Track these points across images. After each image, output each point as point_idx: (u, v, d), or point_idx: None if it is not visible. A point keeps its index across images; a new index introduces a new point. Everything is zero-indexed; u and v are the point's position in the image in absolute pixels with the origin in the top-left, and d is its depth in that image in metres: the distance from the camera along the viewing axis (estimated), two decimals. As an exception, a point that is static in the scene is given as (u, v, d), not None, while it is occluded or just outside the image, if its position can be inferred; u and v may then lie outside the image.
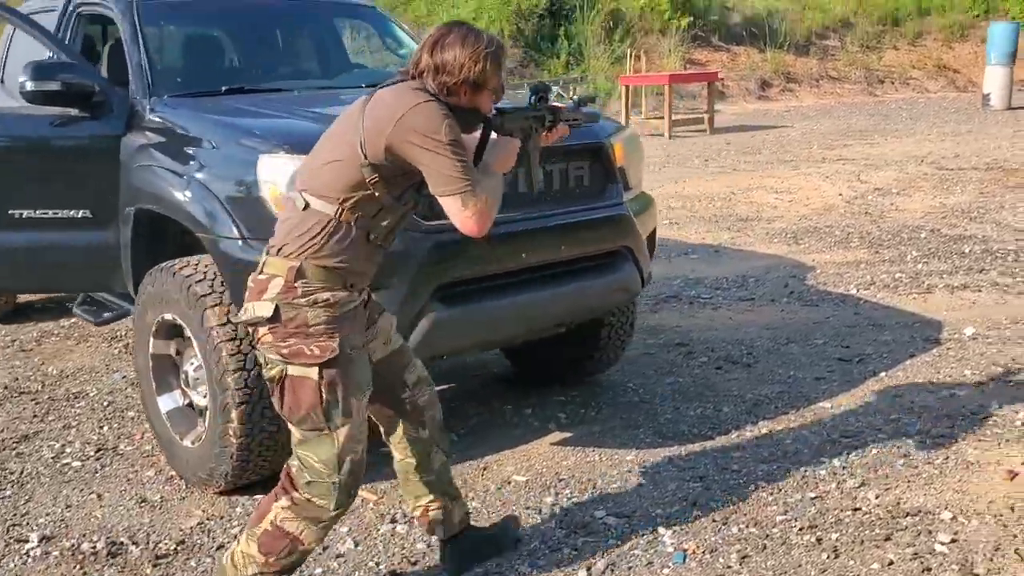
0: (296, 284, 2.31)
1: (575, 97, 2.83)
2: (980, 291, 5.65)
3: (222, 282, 3.12)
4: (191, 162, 3.29)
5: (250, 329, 2.45)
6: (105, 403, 4.35)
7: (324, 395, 2.33)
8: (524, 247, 3.26)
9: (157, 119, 3.58)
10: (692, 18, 22.89)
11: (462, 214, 2.30)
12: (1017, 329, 4.86)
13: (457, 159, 2.26)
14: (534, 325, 3.49)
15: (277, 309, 2.32)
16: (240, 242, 3.04)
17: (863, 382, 4.26)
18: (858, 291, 5.77)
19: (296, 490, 2.43)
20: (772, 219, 8.17)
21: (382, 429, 2.73)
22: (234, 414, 3.09)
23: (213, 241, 3.10)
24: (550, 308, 3.44)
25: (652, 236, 3.95)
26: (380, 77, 4.60)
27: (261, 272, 2.39)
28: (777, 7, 26.47)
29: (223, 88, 3.85)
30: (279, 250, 2.36)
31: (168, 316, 3.32)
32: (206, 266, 3.19)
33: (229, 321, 3.08)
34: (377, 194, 2.32)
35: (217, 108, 3.51)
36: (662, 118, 15.45)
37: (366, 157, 2.28)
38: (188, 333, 3.24)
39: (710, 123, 15.70)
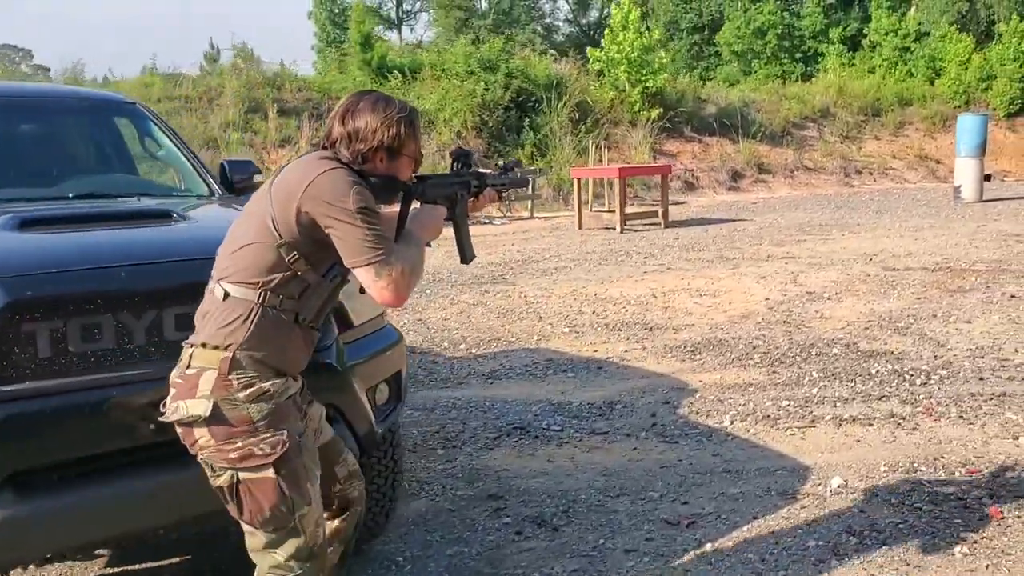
0: (231, 377, 2.17)
1: (502, 162, 2.77)
2: (871, 425, 4.86)
3: None
4: None
5: (180, 431, 2.23)
6: None
7: (286, 491, 2.21)
8: (124, 417, 2.47)
9: None
10: (662, 109, 22.52)
11: (376, 285, 2.19)
12: (892, 479, 4.07)
13: (367, 227, 2.16)
14: (164, 519, 2.59)
15: (216, 407, 2.16)
16: None
17: (681, 556, 3.45)
18: (732, 423, 4.99)
19: None
20: (680, 327, 7.42)
21: None
22: None
23: None
24: (184, 496, 2.52)
25: (396, 381, 3.20)
26: (120, 184, 3.98)
27: (189, 366, 2.21)
28: (753, 98, 26.22)
29: None
30: (204, 344, 2.20)
31: None
32: None
33: None
34: (300, 273, 2.22)
35: None
36: (614, 212, 14.82)
37: (280, 236, 2.19)
38: None
39: (664, 217, 15.08)
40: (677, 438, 4.79)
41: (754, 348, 6.62)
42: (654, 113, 22.37)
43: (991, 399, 5.18)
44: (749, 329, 7.27)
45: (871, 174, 24.26)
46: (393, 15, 55.81)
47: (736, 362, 6.28)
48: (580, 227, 15.36)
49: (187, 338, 2.29)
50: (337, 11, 49.65)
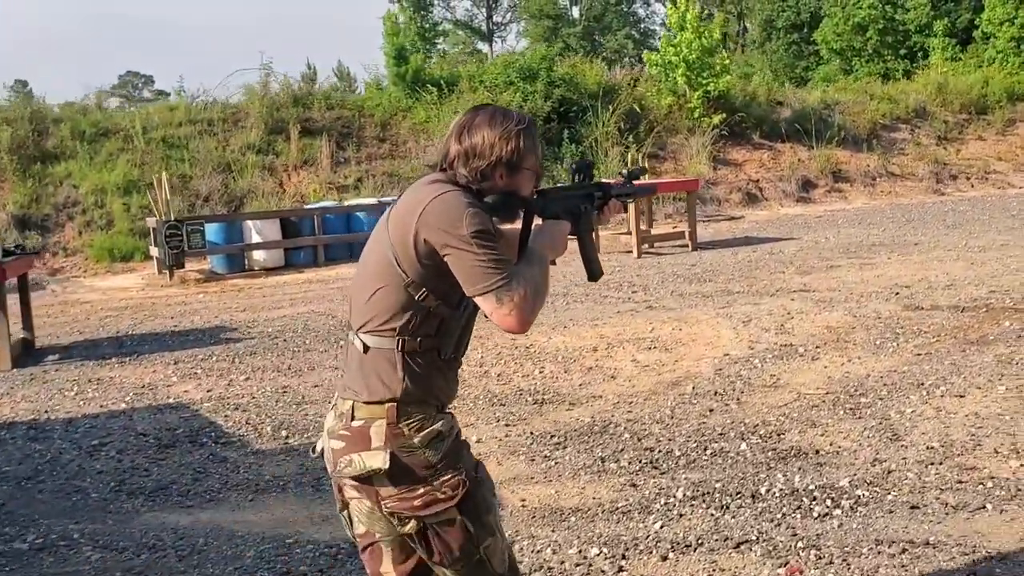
0: (400, 425, 2.12)
1: (625, 171, 2.62)
2: (689, 604, 3.16)
3: None
4: None
5: (352, 484, 2.16)
6: None
7: (471, 529, 2.15)
8: None
9: None
10: (725, 115, 20.54)
11: (498, 312, 2.06)
12: None
13: (484, 252, 2.05)
14: None
15: (394, 456, 2.10)
16: None
17: None
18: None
19: None
20: (581, 401, 5.77)
21: None
22: None
23: None
24: None
25: None
26: None
27: (353, 418, 2.15)
28: (837, 99, 23.91)
29: None
30: (367, 402, 2.14)
31: None
32: None
33: None
34: (432, 309, 2.13)
35: None
36: (631, 233, 13.07)
37: (406, 274, 2.11)
38: None
39: (691, 239, 13.24)
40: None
41: (640, 440, 4.92)
42: (716, 118, 20.44)
43: (902, 553, 3.40)
44: (664, 404, 5.56)
45: (968, 179, 21.66)
46: (484, 27, 55.02)
47: (598, 465, 4.60)
48: (597, 251, 13.65)
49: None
50: (427, 26, 48.97)
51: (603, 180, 2.54)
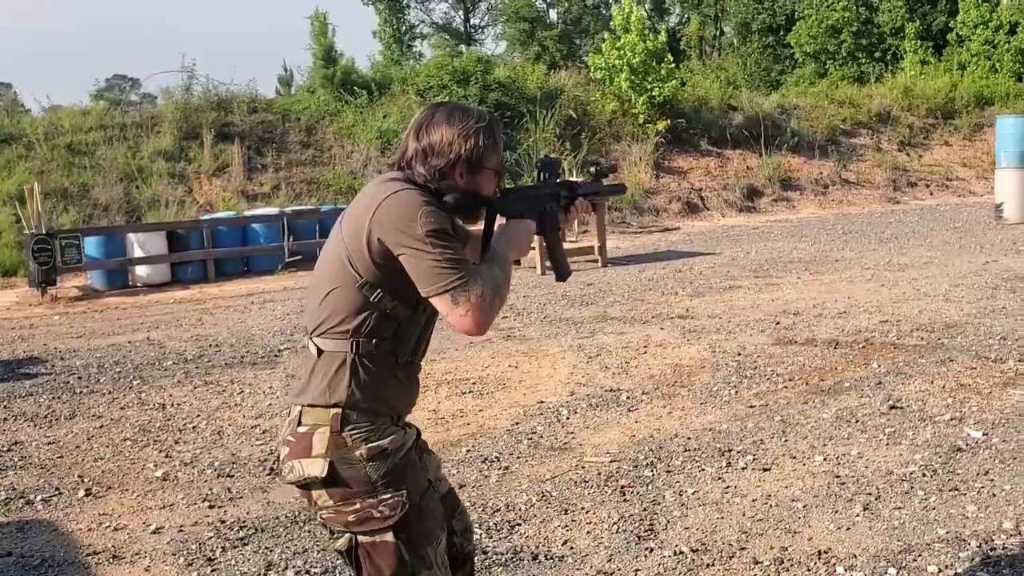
0: (344, 434, 2.04)
1: (592, 169, 2.50)
2: None
3: None
4: None
5: (298, 491, 2.14)
6: None
7: (405, 556, 2.05)
8: None
9: None
10: (669, 120, 19.55)
11: (454, 313, 2.01)
12: None
13: (439, 251, 1.99)
14: None
15: (332, 467, 2.03)
16: None
17: None
18: None
19: None
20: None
21: None
22: None
23: None
24: None
25: None
26: None
27: (299, 423, 2.09)
28: (795, 104, 22.97)
29: None
30: (311, 405, 2.08)
31: None
32: None
33: None
34: (389, 310, 2.07)
35: None
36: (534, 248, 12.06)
37: (360, 275, 2.05)
38: None
39: (601, 254, 12.23)
40: None
41: (342, 532, 3.93)
42: (661, 125, 19.46)
43: None
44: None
45: (927, 186, 20.67)
46: (462, 30, 54.07)
47: (260, 575, 3.61)
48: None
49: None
50: (404, 29, 47.87)
51: (570, 179, 2.46)
